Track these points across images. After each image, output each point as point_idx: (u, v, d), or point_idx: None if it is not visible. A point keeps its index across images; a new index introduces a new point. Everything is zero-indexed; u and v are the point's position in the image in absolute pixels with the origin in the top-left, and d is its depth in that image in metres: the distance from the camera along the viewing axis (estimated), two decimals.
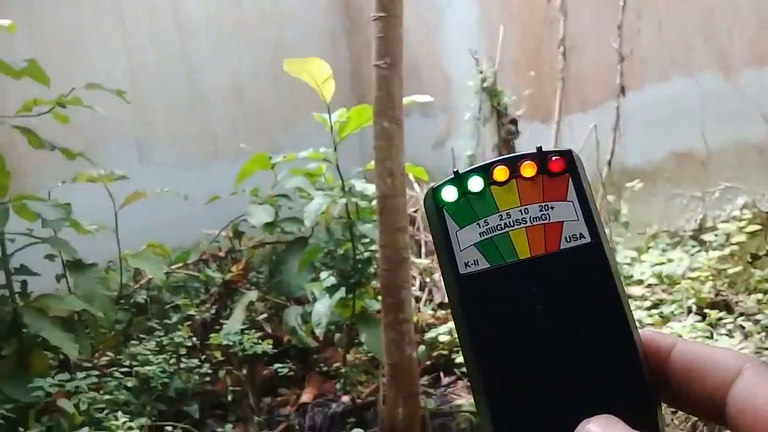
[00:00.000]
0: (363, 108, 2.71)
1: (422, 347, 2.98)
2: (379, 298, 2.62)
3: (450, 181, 0.37)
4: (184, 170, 4.14)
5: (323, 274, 2.74)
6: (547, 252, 0.36)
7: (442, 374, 3.01)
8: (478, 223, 0.36)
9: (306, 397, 2.89)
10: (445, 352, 3.03)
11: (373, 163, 2.57)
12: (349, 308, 2.75)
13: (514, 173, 0.37)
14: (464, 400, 2.71)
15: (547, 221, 0.36)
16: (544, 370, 0.34)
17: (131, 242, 3.06)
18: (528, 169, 0.37)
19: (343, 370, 2.77)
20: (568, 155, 0.37)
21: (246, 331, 2.83)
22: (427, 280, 3.34)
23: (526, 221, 0.36)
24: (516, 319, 0.35)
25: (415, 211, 3.55)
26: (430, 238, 3.08)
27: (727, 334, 2.70)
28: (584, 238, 0.36)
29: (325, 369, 3.03)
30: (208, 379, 2.76)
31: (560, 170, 0.36)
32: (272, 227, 3.17)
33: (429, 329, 3.13)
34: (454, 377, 2.98)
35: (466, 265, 0.36)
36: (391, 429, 2.39)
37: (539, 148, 0.37)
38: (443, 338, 2.95)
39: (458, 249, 0.36)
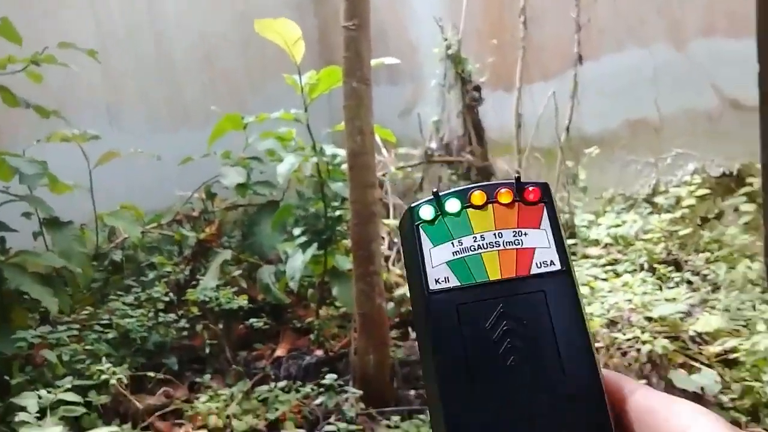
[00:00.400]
0: (333, 69, 2.80)
1: (391, 304, 3.12)
2: (350, 255, 2.74)
3: (428, 201, 0.38)
4: (154, 134, 4.17)
5: (296, 231, 2.84)
6: (518, 275, 0.36)
7: (410, 329, 3.16)
8: (452, 243, 0.37)
9: (280, 351, 3.01)
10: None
11: (342, 124, 2.68)
12: (321, 264, 2.87)
13: (491, 199, 0.38)
14: None
15: (519, 246, 0.37)
16: (506, 393, 0.34)
17: (104, 206, 3.10)
18: (505, 196, 0.38)
19: (316, 323, 2.89)
20: (543, 187, 0.38)
21: (221, 288, 2.92)
22: (395, 240, 3.48)
23: (499, 244, 0.37)
24: (481, 339, 0.35)
25: (384, 175, 3.67)
26: (399, 201, 3.19)
27: (674, 287, 2.90)
28: (554, 265, 0.36)
29: (298, 325, 3.15)
30: (185, 333, 2.85)
31: (536, 200, 0.38)
32: (244, 189, 3.25)
33: (397, 287, 3.26)
34: None
35: (437, 281, 0.37)
36: (362, 376, 2.53)
37: (517, 178, 0.38)
38: (408, 293, 3.09)
39: (430, 265, 0.37)
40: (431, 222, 0.38)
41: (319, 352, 2.93)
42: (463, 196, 0.38)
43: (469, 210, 0.38)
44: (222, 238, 3.40)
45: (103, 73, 3.74)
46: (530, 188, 0.38)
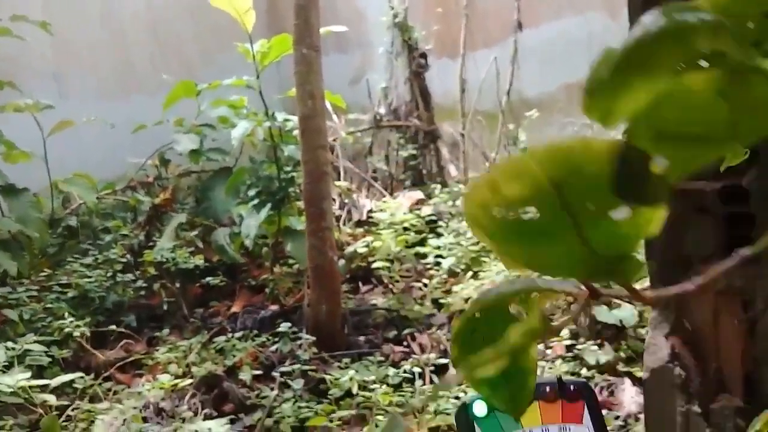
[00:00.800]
0: (283, 37, 2.90)
1: (342, 261, 3.28)
2: (303, 215, 2.88)
3: (481, 398, 0.43)
4: (104, 104, 4.18)
5: (250, 192, 2.96)
6: None
7: (360, 283, 3.32)
8: None
9: (236, 307, 3.14)
10: (363, 264, 3.34)
11: (293, 90, 2.79)
12: (275, 225, 3.00)
13: (537, 396, 0.43)
14: (380, 301, 3.04)
15: None
16: None
17: (57, 176, 3.15)
18: (549, 394, 0.42)
19: (270, 278, 3.03)
20: (583, 385, 0.43)
21: (177, 248, 3.03)
22: (347, 201, 3.62)
23: None
24: None
25: (334, 140, 3.80)
26: (349, 164, 3.35)
27: None
28: None
29: (253, 283, 3.28)
30: (143, 293, 2.95)
31: (577, 398, 0.42)
32: (197, 155, 3.34)
33: (348, 245, 3.42)
34: (372, 285, 3.30)
35: None
36: (315, 324, 2.69)
37: (559, 378, 0.44)
38: (361, 250, 3.25)
39: None
40: (485, 417, 0.43)
41: (274, 307, 3.07)
42: None
43: None
44: (176, 204, 3.49)
45: (51, 43, 3.74)
46: (572, 387, 0.43)
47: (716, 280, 0.88)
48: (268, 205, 2.85)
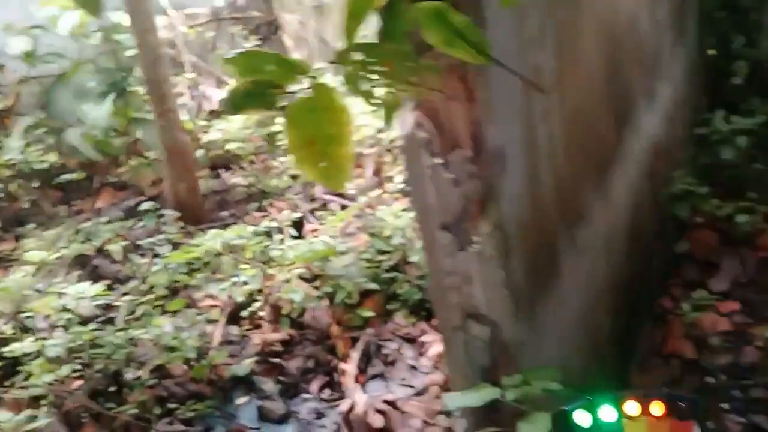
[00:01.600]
0: None
1: (201, 151, 3.45)
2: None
3: (584, 406, 0.40)
4: None
5: (92, 84, 3.02)
6: None
7: (222, 170, 3.52)
8: None
9: (101, 203, 3.26)
10: (221, 152, 3.52)
11: None
12: (125, 117, 3.10)
13: (644, 410, 0.40)
14: (240, 181, 3.28)
15: None
16: None
17: None
18: (657, 409, 0.40)
19: (128, 167, 3.16)
20: (695, 402, 0.40)
21: (29, 146, 3.06)
22: (195, 93, 3.74)
23: None
24: None
25: (174, 36, 3.84)
26: (194, 59, 3.45)
27: None
28: None
29: (114, 181, 3.39)
30: (2, 196, 2.99)
31: (688, 415, 0.40)
32: (32, 58, 3.30)
33: (204, 136, 3.58)
34: (232, 170, 3.51)
35: None
36: (177, 202, 2.89)
37: (668, 392, 0.41)
38: (216, 136, 3.43)
39: None
40: (589, 429, 0.42)
41: (139, 198, 3.22)
42: (617, 404, 0.41)
43: (624, 420, 0.42)
44: (20, 110, 3.45)
45: None
46: (682, 403, 0.41)
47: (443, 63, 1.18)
48: (112, 95, 2.94)
